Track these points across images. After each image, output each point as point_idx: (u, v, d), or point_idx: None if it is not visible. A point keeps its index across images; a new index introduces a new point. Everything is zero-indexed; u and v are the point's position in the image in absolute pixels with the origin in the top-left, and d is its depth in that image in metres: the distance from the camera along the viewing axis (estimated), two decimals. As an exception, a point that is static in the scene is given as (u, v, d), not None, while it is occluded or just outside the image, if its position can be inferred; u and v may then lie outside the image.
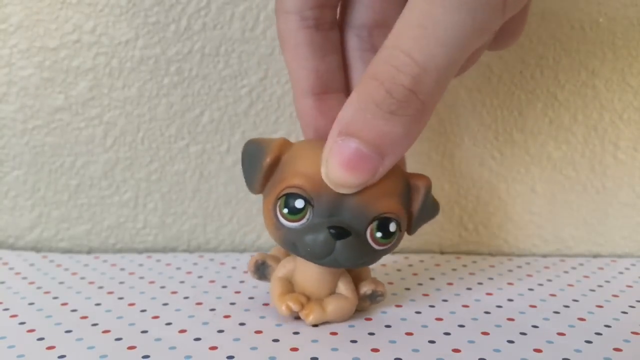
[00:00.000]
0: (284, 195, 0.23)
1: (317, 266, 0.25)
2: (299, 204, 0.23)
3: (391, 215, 0.23)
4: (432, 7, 0.19)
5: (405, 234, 0.25)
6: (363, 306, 0.26)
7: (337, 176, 0.21)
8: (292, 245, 0.23)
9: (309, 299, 0.25)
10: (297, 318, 0.25)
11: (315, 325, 0.25)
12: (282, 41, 0.25)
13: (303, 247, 0.23)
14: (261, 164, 0.24)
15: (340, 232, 0.22)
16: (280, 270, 0.26)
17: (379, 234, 0.23)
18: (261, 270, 0.27)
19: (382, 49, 0.20)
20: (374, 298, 0.26)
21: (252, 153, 0.25)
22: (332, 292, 0.26)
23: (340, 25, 0.26)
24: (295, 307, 0.25)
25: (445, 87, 0.21)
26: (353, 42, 0.26)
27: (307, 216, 0.23)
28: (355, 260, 0.23)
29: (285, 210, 0.23)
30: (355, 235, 0.23)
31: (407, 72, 0.20)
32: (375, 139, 0.21)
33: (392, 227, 0.23)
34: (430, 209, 0.25)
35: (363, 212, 0.22)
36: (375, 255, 0.24)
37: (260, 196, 0.25)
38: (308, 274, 0.25)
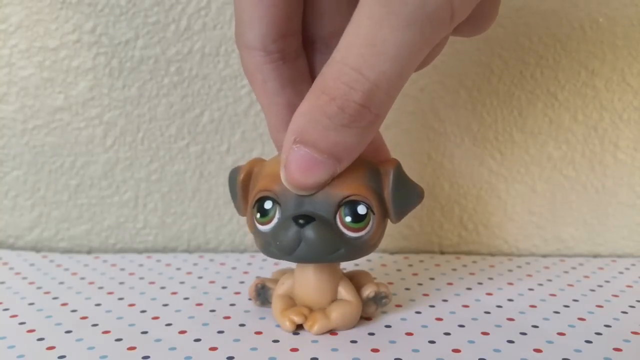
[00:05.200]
0: (256, 202, 0.24)
1: (314, 273, 0.25)
2: (267, 205, 0.23)
3: (357, 197, 0.23)
4: (380, 26, 0.19)
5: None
6: (369, 312, 0.26)
7: (295, 181, 0.22)
8: (268, 246, 0.24)
9: (311, 310, 0.25)
10: (296, 334, 0.25)
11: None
12: (249, 76, 0.25)
13: (275, 244, 0.23)
14: (237, 182, 0.25)
15: (304, 219, 0.22)
16: (280, 288, 0.26)
17: (348, 218, 0.23)
18: (262, 295, 0.27)
19: (330, 63, 0.20)
20: (379, 300, 0.26)
21: (231, 177, 0.26)
22: (334, 299, 0.25)
23: (306, 38, 0.26)
24: (297, 319, 0.25)
25: (397, 95, 0.21)
26: (320, 55, 0.26)
27: (276, 215, 0.23)
28: (325, 246, 0.23)
29: (258, 215, 0.24)
30: (321, 222, 0.22)
31: (359, 89, 0.20)
32: (330, 147, 0.21)
33: (361, 209, 0.23)
34: (406, 190, 0.25)
35: (328, 198, 0.23)
36: (353, 245, 0.23)
37: None
38: (306, 284, 0.25)
